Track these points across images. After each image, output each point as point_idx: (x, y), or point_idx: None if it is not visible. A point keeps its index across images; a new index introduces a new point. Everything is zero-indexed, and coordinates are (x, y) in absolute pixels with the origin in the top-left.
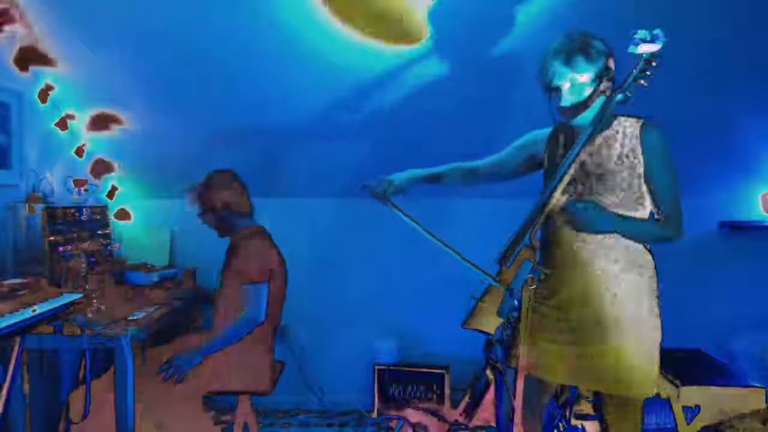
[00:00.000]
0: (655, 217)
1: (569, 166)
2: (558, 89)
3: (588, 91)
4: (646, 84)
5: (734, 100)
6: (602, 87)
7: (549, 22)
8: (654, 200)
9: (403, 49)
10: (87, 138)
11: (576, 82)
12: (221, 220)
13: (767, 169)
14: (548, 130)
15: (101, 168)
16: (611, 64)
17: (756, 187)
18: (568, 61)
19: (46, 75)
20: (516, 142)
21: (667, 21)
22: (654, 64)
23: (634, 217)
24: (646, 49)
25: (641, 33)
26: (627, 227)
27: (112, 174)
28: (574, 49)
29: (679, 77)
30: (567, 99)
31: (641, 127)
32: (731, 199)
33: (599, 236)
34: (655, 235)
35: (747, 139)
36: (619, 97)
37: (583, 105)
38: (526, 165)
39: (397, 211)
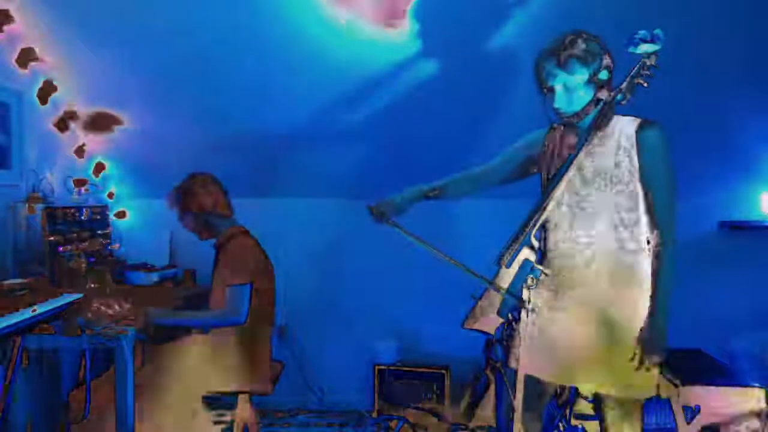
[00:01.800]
0: (648, 222)
1: (568, 167)
2: (552, 90)
3: (582, 93)
4: (646, 84)
5: (734, 100)
6: (598, 87)
7: (549, 20)
8: (648, 201)
9: (397, 44)
10: (87, 138)
11: (569, 83)
12: (200, 223)
13: (767, 169)
14: (545, 131)
15: (101, 168)
16: (608, 63)
17: (756, 187)
18: (561, 63)
19: (46, 75)
20: (514, 145)
21: (667, 21)
22: (654, 64)
23: (659, 284)
24: (646, 49)
25: (641, 33)
26: (668, 298)
27: (112, 174)
28: (567, 51)
29: (679, 77)
30: (561, 100)
31: (638, 126)
32: (731, 199)
33: (598, 238)
34: (673, 267)
35: (747, 139)
36: (619, 97)
37: (579, 108)
38: (524, 167)
39: (399, 231)
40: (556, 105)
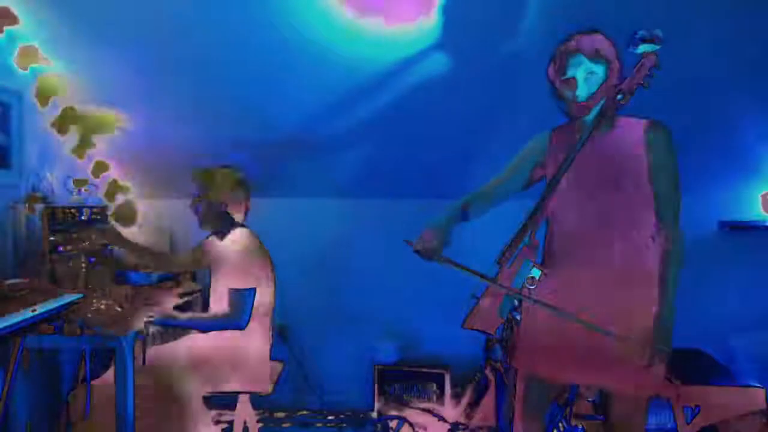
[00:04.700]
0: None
1: (569, 165)
2: (572, 81)
3: (600, 85)
4: (646, 85)
5: (734, 100)
6: (611, 82)
7: (552, 22)
8: (655, 201)
9: (402, 43)
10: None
11: (594, 72)
12: (210, 215)
13: (767, 169)
14: (547, 134)
15: (101, 168)
16: (619, 64)
17: (756, 187)
18: (588, 52)
19: (47, 75)
20: (518, 155)
21: (667, 21)
22: (654, 64)
23: (665, 282)
24: (646, 48)
25: (641, 33)
26: (675, 295)
27: (112, 174)
28: (594, 42)
29: (679, 77)
30: (583, 89)
31: (647, 126)
32: (731, 199)
33: (605, 237)
34: (679, 265)
35: (747, 139)
36: (618, 96)
37: (594, 99)
38: (534, 174)
39: (453, 266)
40: (578, 92)
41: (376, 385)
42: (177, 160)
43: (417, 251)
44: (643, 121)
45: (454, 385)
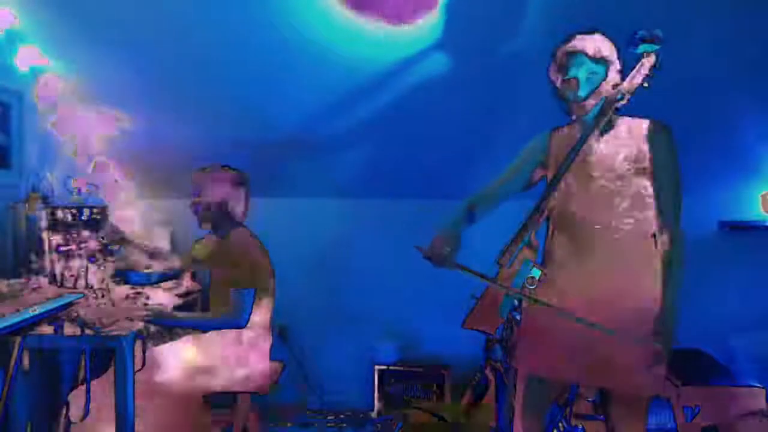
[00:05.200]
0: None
1: (570, 164)
2: (573, 81)
3: (601, 84)
4: (646, 85)
5: (734, 100)
6: (612, 82)
7: (552, 22)
8: (657, 201)
9: (402, 44)
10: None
11: (593, 72)
12: (210, 215)
13: (767, 169)
14: (546, 134)
15: (101, 168)
16: (619, 66)
17: (756, 187)
18: (591, 53)
19: (46, 75)
20: (519, 156)
21: (667, 21)
22: (654, 64)
23: (667, 282)
24: (646, 48)
25: (641, 33)
26: (678, 295)
27: (112, 174)
28: (597, 42)
29: (680, 77)
30: (584, 88)
31: (648, 127)
32: (731, 199)
33: (606, 236)
34: (682, 265)
35: (747, 139)
36: (619, 96)
37: (595, 99)
38: (536, 175)
39: (467, 273)
40: (580, 93)
41: (376, 385)
42: (177, 160)
43: (428, 258)
44: (644, 121)
45: (454, 385)
